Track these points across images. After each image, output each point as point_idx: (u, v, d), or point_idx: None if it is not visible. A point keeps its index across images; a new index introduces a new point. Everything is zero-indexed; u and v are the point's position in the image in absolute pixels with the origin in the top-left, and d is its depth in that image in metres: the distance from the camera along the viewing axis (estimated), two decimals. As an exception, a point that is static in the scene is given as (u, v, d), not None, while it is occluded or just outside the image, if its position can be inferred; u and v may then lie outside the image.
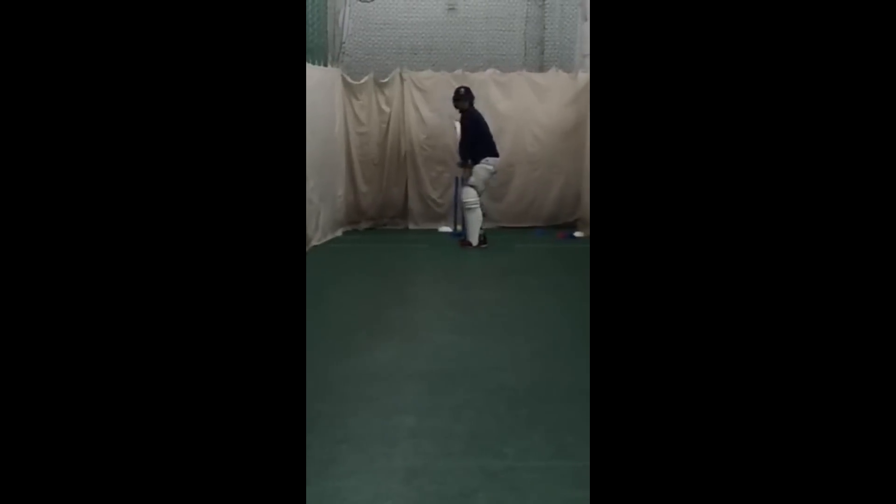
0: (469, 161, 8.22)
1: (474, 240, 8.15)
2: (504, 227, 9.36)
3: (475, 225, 8.18)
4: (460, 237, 8.63)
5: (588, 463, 1.69)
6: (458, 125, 8.43)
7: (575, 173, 9.37)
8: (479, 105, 9.10)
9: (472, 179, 8.16)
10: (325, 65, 8.55)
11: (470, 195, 8.12)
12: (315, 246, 7.98)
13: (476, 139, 8.19)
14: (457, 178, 8.68)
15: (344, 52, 9.21)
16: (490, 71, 9.37)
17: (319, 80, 7.93)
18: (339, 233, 8.93)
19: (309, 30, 7.83)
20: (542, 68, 9.96)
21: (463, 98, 8.35)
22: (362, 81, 9.16)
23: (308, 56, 7.72)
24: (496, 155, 8.29)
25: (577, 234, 9.00)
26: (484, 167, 8.21)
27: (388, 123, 9.37)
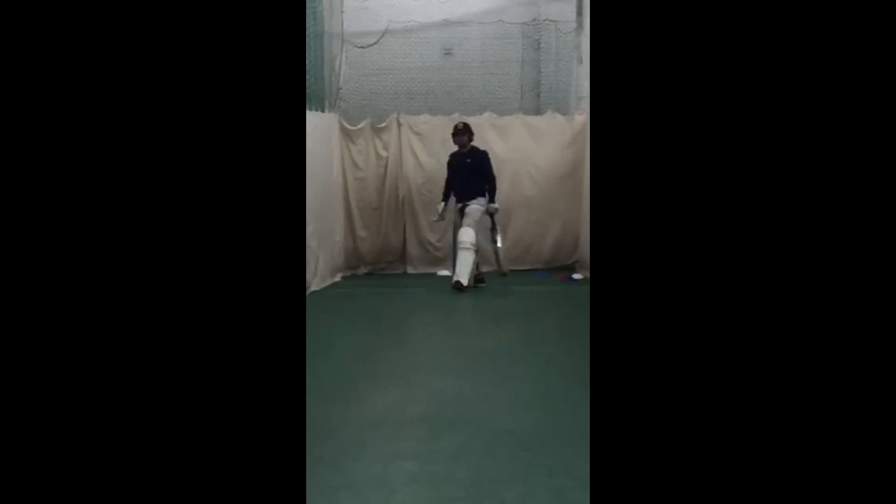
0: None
1: (465, 280, 8.01)
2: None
3: (470, 266, 8.07)
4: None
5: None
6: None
7: (573, 216, 9.38)
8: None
9: (470, 221, 8.09)
10: (323, 110, 8.62)
11: (470, 236, 8.04)
12: (314, 291, 7.96)
13: (473, 179, 8.17)
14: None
15: (341, 98, 9.30)
16: (487, 114, 9.44)
17: (317, 126, 7.98)
18: (337, 278, 8.91)
19: (306, 76, 7.90)
20: (538, 111, 10.02)
21: (462, 132, 8.35)
22: (359, 127, 9.22)
23: (305, 102, 7.79)
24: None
25: (577, 276, 8.98)
26: (477, 207, 8.19)
27: (386, 168, 9.41)
